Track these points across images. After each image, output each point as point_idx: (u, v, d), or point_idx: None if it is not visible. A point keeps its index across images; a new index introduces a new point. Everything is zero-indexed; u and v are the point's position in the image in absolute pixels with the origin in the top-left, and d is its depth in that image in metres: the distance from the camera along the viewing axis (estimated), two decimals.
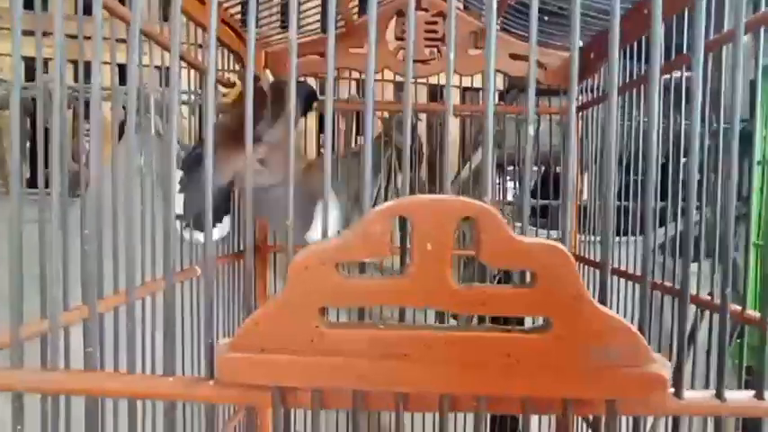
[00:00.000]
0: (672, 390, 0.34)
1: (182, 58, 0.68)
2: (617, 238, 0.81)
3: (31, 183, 0.58)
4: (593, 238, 0.91)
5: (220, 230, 0.75)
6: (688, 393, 0.34)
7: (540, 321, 0.34)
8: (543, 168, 1.41)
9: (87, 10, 0.37)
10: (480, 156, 1.19)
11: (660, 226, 0.97)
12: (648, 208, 0.36)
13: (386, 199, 1.14)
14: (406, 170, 0.36)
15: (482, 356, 0.31)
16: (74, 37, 0.52)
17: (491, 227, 0.31)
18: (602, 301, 0.34)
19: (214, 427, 0.31)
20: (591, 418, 0.36)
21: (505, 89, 1.51)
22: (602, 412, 0.33)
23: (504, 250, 0.31)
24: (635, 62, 0.82)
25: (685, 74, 0.71)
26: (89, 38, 0.39)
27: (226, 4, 0.78)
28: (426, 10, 0.91)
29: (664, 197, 0.79)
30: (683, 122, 0.70)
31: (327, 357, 0.31)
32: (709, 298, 0.64)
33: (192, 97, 0.74)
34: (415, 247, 0.31)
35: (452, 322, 1.10)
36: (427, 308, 0.32)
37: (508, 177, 1.59)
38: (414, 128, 1.13)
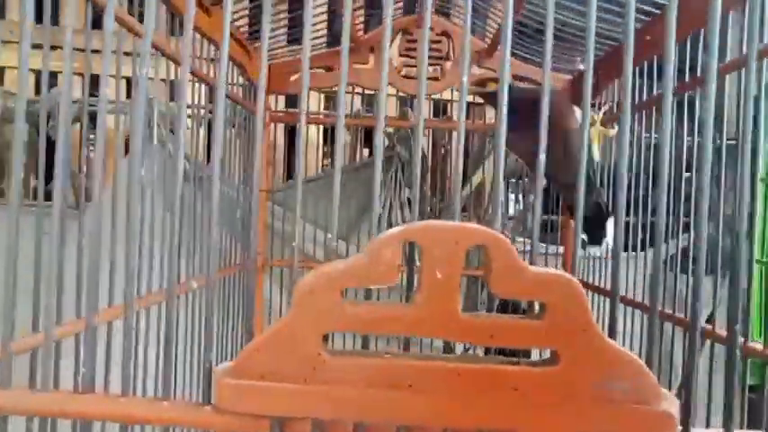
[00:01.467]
0: (680, 427, 0.33)
1: (191, 72, 0.67)
2: (624, 254, 0.80)
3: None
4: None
5: None
6: (695, 431, 0.33)
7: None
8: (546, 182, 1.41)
9: (95, 24, 0.37)
10: (480, 174, 1.18)
11: (665, 241, 0.96)
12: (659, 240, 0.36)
13: (390, 212, 1.12)
14: (415, 190, 0.35)
15: (489, 389, 0.31)
16: (81, 50, 0.51)
17: (502, 256, 0.31)
18: (612, 333, 0.33)
19: None
20: None
21: None
22: None
23: (514, 280, 0.31)
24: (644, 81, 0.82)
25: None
26: (96, 51, 0.38)
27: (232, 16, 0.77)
28: (431, 29, 0.91)
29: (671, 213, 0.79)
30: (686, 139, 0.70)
31: (329, 386, 0.30)
32: (709, 327, 0.62)
33: (198, 111, 0.73)
34: (425, 274, 0.30)
35: (459, 348, 1.08)
36: (434, 338, 0.32)
37: (510, 189, 1.57)
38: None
